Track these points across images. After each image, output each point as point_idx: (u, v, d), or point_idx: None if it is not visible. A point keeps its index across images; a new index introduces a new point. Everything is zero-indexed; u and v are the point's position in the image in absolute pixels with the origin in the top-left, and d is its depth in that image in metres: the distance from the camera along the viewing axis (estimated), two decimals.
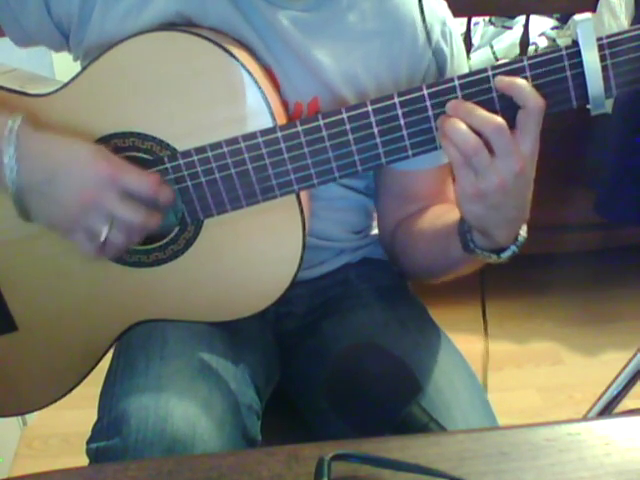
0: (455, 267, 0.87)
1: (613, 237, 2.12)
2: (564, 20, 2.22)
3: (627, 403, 1.31)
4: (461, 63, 0.91)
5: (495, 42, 2.20)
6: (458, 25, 0.94)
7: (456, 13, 0.92)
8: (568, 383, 1.84)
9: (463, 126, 0.69)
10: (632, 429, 0.62)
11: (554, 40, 2.19)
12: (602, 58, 0.68)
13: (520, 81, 0.69)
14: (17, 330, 0.90)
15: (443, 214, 0.89)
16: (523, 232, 0.78)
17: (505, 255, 0.79)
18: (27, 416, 1.74)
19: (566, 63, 0.69)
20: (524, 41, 1.79)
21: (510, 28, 2.23)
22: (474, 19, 2.22)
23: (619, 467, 0.58)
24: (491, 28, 2.26)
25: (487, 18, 2.27)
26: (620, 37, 0.68)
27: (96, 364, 0.92)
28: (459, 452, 0.59)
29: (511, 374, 1.88)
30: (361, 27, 0.86)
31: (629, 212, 1.97)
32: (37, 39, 0.88)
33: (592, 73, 0.69)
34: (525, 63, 0.70)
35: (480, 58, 2.17)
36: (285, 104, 0.84)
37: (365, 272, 1.02)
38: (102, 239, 0.74)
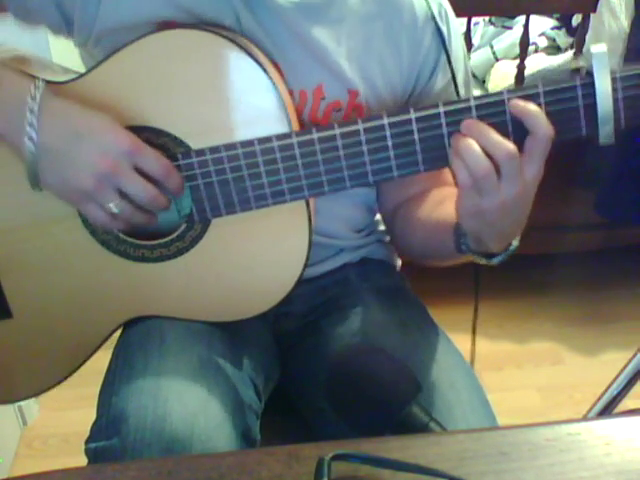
0: (448, 259, 0.89)
1: (613, 237, 2.12)
2: (564, 20, 2.21)
3: (627, 403, 1.30)
4: (458, 43, 0.92)
5: (495, 42, 2.20)
6: (458, 25, 0.94)
7: (456, 13, 0.93)
8: (568, 383, 1.84)
9: (477, 148, 0.70)
10: (632, 429, 0.62)
11: (554, 40, 2.19)
12: (615, 91, 0.70)
13: (533, 107, 0.70)
14: (11, 317, 0.90)
15: (441, 203, 0.89)
16: (515, 241, 0.79)
17: (495, 260, 0.80)
18: (27, 416, 1.74)
19: (579, 94, 0.71)
20: (524, 41, 1.79)
21: (510, 28, 2.22)
22: (474, 19, 2.21)
23: (619, 467, 0.58)
24: (491, 28, 2.26)
25: (487, 18, 2.27)
26: (633, 72, 0.70)
27: (90, 355, 0.91)
28: (459, 452, 0.59)
29: (511, 374, 1.88)
30: (363, 10, 0.87)
31: (629, 212, 1.97)
32: (38, 17, 0.87)
33: (604, 106, 0.70)
34: (540, 90, 0.71)
35: (480, 58, 2.17)
36: (290, 93, 0.84)
37: (365, 272, 1.02)
38: (113, 209, 0.75)
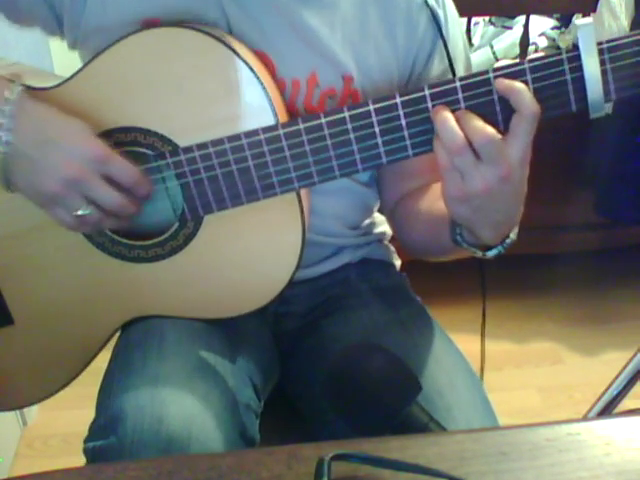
0: (447, 252, 0.88)
1: (613, 237, 2.12)
2: (564, 20, 2.22)
3: (627, 403, 1.31)
4: (455, 28, 0.91)
5: (495, 42, 2.20)
6: (455, 10, 0.92)
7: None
8: (568, 383, 1.84)
9: (453, 124, 0.70)
10: (632, 429, 0.62)
11: (554, 40, 2.19)
12: (602, 62, 0.69)
13: (519, 85, 0.69)
14: (13, 324, 0.90)
15: (440, 197, 0.89)
16: (513, 234, 0.78)
17: (491, 253, 0.79)
18: (27, 416, 1.74)
19: (566, 67, 0.70)
20: (524, 41, 1.79)
21: (510, 28, 2.23)
22: (474, 19, 2.22)
23: (619, 467, 0.58)
24: (491, 28, 2.26)
25: (487, 18, 2.27)
26: (620, 42, 0.68)
27: (92, 359, 0.92)
28: (459, 452, 0.59)
29: (511, 374, 1.88)
30: None
31: (629, 212, 1.97)
32: (30, 18, 0.87)
33: (592, 77, 0.69)
34: (526, 66, 0.70)
35: (480, 58, 2.17)
36: (282, 83, 0.84)
37: (365, 272, 1.02)
38: (78, 214, 0.75)
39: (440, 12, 0.88)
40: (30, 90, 0.77)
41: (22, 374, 0.95)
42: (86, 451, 0.76)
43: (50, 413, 1.75)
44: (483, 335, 0.91)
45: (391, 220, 1.01)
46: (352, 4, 0.85)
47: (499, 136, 0.69)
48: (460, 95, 0.71)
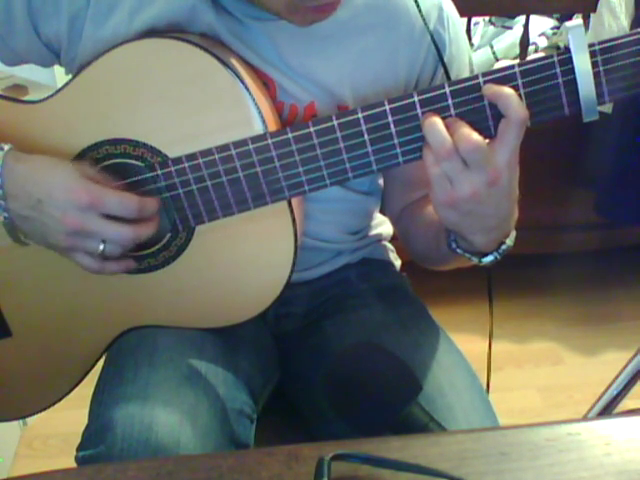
0: (447, 260, 0.87)
1: (613, 237, 2.12)
2: (564, 20, 2.22)
3: (627, 403, 1.31)
4: (460, 47, 0.89)
5: (495, 42, 2.20)
6: (462, 28, 0.91)
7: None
8: (568, 383, 1.84)
9: (441, 128, 0.69)
10: (632, 429, 0.62)
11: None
12: (594, 64, 0.68)
13: (506, 90, 0.68)
14: (11, 336, 0.90)
15: None
16: (509, 241, 0.78)
17: (486, 260, 0.79)
18: None
19: (558, 70, 0.69)
20: (524, 41, 1.79)
21: (510, 28, 2.23)
22: (474, 19, 2.22)
23: (619, 467, 0.58)
24: (491, 28, 2.26)
25: (487, 18, 2.27)
26: (612, 43, 0.67)
27: (90, 369, 0.92)
28: (459, 452, 0.59)
29: (511, 374, 1.88)
30: (353, 23, 0.84)
31: (629, 212, 1.97)
32: (26, 58, 0.88)
33: (584, 80, 0.68)
34: (516, 70, 0.69)
35: (480, 58, 2.17)
36: (280, 105, 0.84)
37: (365, 272, 1.02)
38: (99, 253, 0.75)
39: (445, 35, 0.86)
40: (12, 151, 0.76)
41: (22, 385, 0.95)
42: (77, 460, 0.75)
43: (50, 413, 1.73)
44: (491, 335, 0.91)
45: (397, 229, 1.01)
46: (349, 33, 0.84)
47: (485, 142, 0.69)
48: (450, 101, 0.70)
